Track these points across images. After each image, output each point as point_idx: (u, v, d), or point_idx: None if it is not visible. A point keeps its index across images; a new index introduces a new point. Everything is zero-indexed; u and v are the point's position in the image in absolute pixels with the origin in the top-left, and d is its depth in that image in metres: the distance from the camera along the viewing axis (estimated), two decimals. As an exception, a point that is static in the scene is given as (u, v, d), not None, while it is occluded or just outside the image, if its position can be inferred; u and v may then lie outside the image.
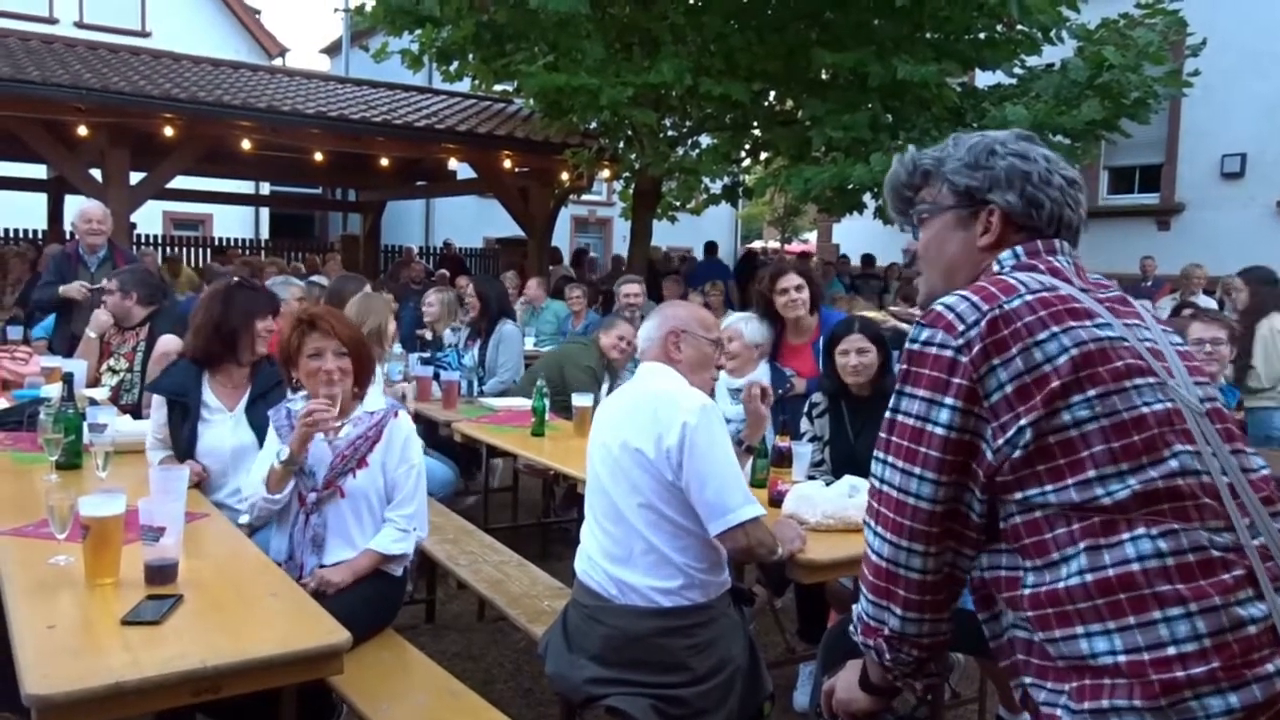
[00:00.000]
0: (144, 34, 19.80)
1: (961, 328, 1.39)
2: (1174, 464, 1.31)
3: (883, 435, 1.47)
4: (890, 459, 1.44)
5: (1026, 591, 1.36)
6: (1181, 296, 8.61)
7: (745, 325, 4.17)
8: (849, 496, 2.82)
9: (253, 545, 2.62)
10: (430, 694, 2.52)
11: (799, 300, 4.32)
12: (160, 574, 2.16)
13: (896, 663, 1.51)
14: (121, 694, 1.73)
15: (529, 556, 3.76)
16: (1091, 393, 1.33)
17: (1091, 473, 1.31)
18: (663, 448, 2.35)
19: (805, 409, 3.65)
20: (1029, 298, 1.39)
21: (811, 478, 3.21)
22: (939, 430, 1.39)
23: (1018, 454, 1.34)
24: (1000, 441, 1.36)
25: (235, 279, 3.92)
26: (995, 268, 1.51)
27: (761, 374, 4.02)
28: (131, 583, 2.15)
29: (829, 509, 2.79)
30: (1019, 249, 1.51)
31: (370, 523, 2.88)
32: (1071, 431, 1.33)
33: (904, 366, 1.46)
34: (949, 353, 1.39)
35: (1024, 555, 1.37)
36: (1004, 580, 1.41)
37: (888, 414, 1.47)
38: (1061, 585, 1.32)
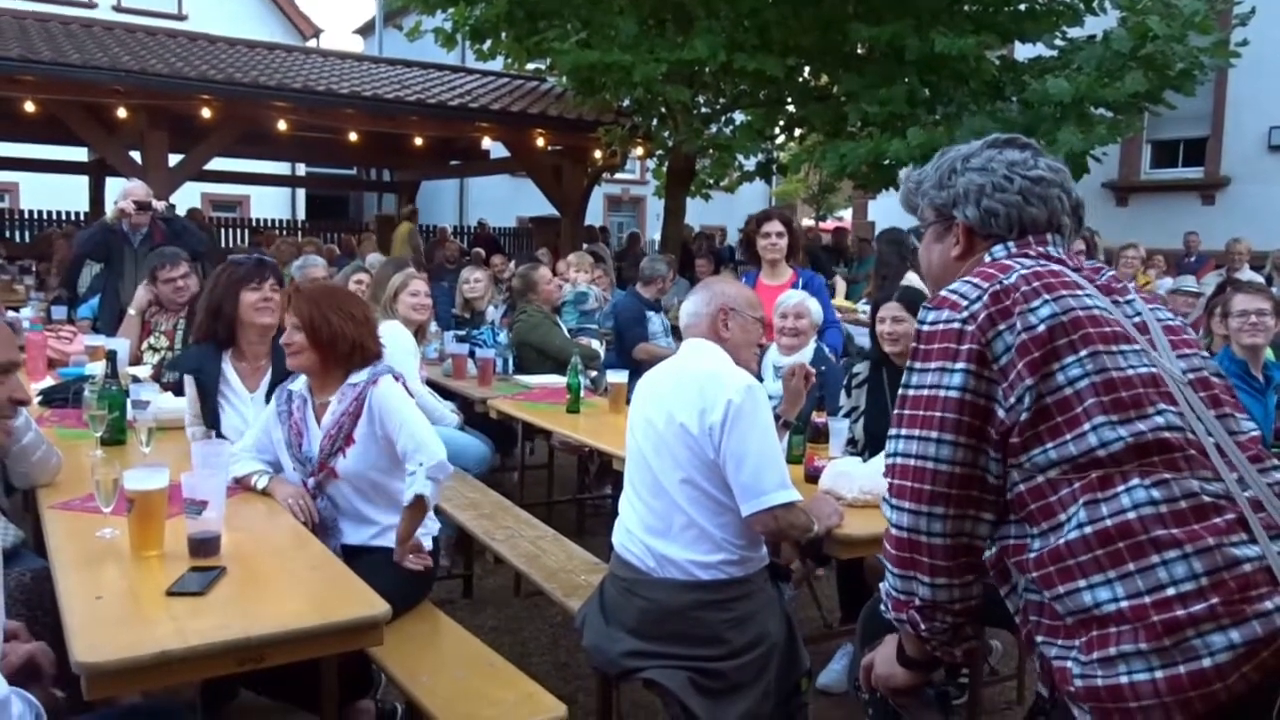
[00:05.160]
0: (180, 17, 19.99)
1: (965, 304, 1.49)
2: (1159, 420, 1.39)
3: (896, 412, 1.53)
4: (904, 431, 1.50)
5: (1032, 555, 1.42)
6: (1227, 272, 8.43)
7: (811, 304, 4.14)
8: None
9: (292, 519, 2.65)
10: (468, 666, 2.54)
11: (779, 245, 4.87)
12: (203, 547, 2.19)
13: (932, 632, 1.54)
14: (168, 662, 1.75)
15: (564, 532, 3.77)
16: (1083, 352, 1.41)
17: (1086, 426, 1.39)
18: (706, 424, 2.34)
19: (845, 381, 3.63)
20: (1024, 272, 1.50)
21: (849, 454, 3.20)
22: (953, 394, 1.45)
23: (1024, 416, 1.41)
24: (1011, 400, 1.43)
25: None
26: (987, 258, 1.61)
27: (808, 353, 4.00)
28: (176, 555, 2.18)
29: (866, 484, 2.77)
30: (1010, 243, 1.61)
31: (379, 498, 2.84)
32: (1066, 390, 1.41)
33: (914, 346, 1.54)
34: (956, 324, 1.48)
35: (1030, 522, 1.44)
36: (1012, 547, 1.47)
37: (900, 391, 1.53)
38: (1062, 541, 1.38)
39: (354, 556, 2.64)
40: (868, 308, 5.49)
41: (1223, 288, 5.87)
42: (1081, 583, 1.35)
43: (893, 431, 1.52)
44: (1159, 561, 1.31)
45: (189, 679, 1.88)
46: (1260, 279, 7.73)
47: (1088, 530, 1.35)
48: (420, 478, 2.67)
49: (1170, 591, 1.30)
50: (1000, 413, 1.43)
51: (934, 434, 1.45)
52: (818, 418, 3.11)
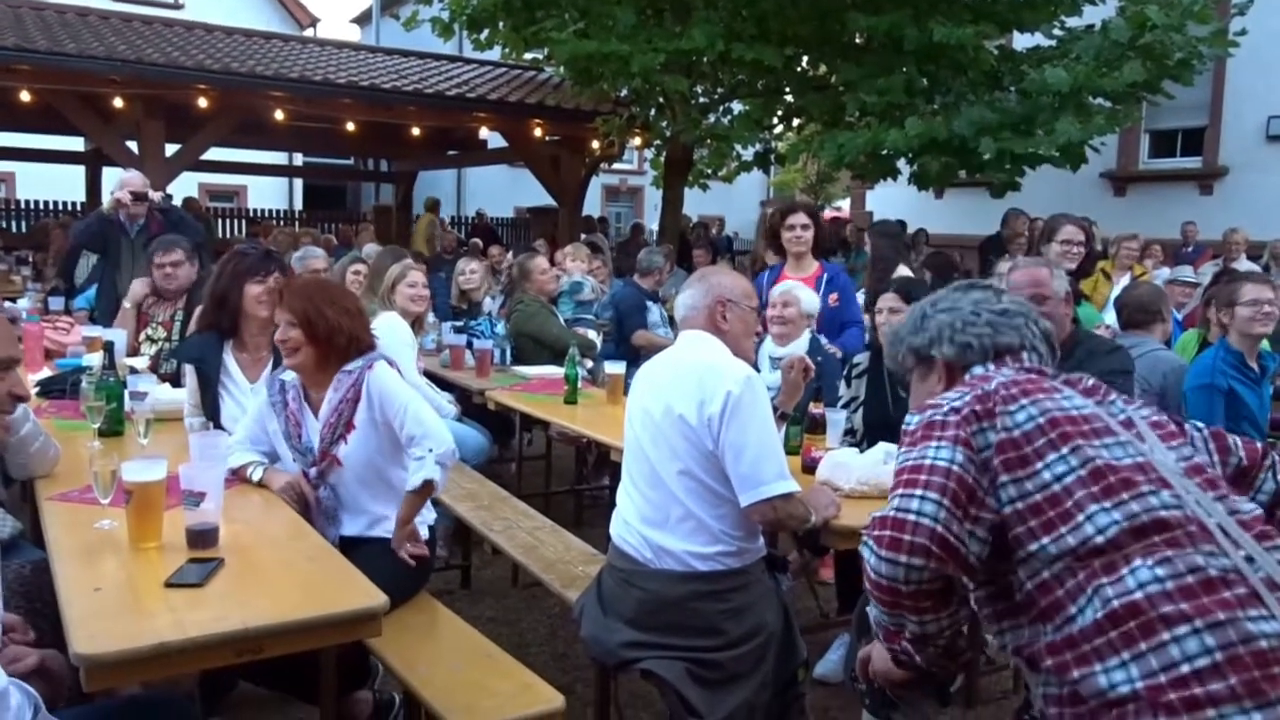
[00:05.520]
0: (177, 6, 19.90)
1: (947, 405, 1.58)
2: (1153, 500, 1.42)
3: (890, 489, 1.58)
4: (892, 494, 1.54)
5: (1044, 642, 1.44)
6: (1224, 262, 8.43)
7: (801, 293, 4.13)
8: (884, 463, 2.80)
9: (290, 510, 2.65)
10: (466, 657, 2.55)
11: (804, 238, 4.77)
12: (201, 538, 2.20)
13: (928, 660, 1.60)
14: (166, 654, 1.76)
15: (562, 523, 3.78)
16: (1065, 449, 1.48)
17: (1081, 517, 1.43)
18: (704, 415, 2.34)
19: (845, 371, 3.64)
20: (1004, 379, 1.60)
21: (847, 444, 3.20)
22: (941, 462, 1.51)
23: (1009, 509, 1.48)
24: (1001, 492, 1.49)
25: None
26: (967, 377, 1.70)
27: (803, 345, 4.00)
28: (174, 547, 2.19)
29: (863, 475, 2.78)
30: (989, 363, 1.72)
31: (381, 486, 2.83)
32: (1055, 487, 1.46)
33: (901, 442, 1.61)
34: (939, 417, 1.57)
35: (1044, 620, 1.46)
36: (1025, 645, 1.50)
37: (891, 477, 1.60)
38: (1076, 629, 1.40)
39: (352, 547, 2.64)
40: (862, 300, 5.49)
41: (1219, 277, 5.88)
42: (1097, 667, 1.36)
43: (887, 502, 1.58)
44: (1170, 638, 1.31)
45: (187, 670, 1.88)
46: (1257, 269, 7.74)
47: (1099, 614, 1.37)
48: (430, 463, 2.67)
49: (1185, 669, 1.29)
50: (991, 500, 1.50)
51: (918, 491, 1.49)
52: (815, 409, 3.11)
